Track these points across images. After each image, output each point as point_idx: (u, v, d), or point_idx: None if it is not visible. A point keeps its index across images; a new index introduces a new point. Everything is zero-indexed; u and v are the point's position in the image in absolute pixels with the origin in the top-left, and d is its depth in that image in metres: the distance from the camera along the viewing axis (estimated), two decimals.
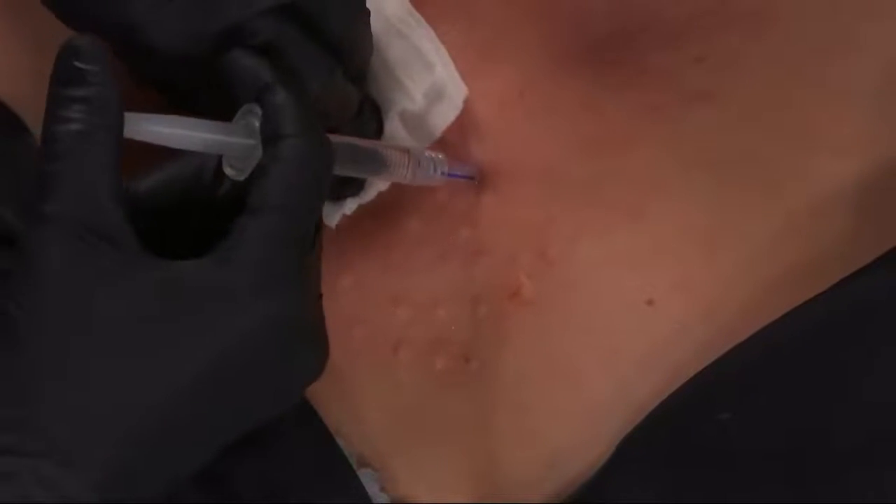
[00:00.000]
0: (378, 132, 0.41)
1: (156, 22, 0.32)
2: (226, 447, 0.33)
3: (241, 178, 0.33)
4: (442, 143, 0.41)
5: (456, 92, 0.40)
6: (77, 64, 0.30)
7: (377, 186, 0.41)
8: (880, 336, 0.36)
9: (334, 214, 0.41)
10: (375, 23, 0.39)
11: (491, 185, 0.42)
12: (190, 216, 0.35)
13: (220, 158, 0.34)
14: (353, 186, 0.41)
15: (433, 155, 0.40)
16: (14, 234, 0.41)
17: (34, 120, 0.42)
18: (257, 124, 0.33)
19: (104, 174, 0.31)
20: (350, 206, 0.41)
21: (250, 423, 0.33)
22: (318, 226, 0.34)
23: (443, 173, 0.40)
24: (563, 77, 0.41)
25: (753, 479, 0.36)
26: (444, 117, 0.40)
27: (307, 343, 0.34)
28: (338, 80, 0.36)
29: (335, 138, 0.35)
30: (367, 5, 0.37)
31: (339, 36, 0.35)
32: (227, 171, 0.34)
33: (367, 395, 0.42)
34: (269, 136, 0.32)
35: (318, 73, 0.35)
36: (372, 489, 0.41)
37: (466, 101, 0.41)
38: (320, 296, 0.35)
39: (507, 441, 0.41)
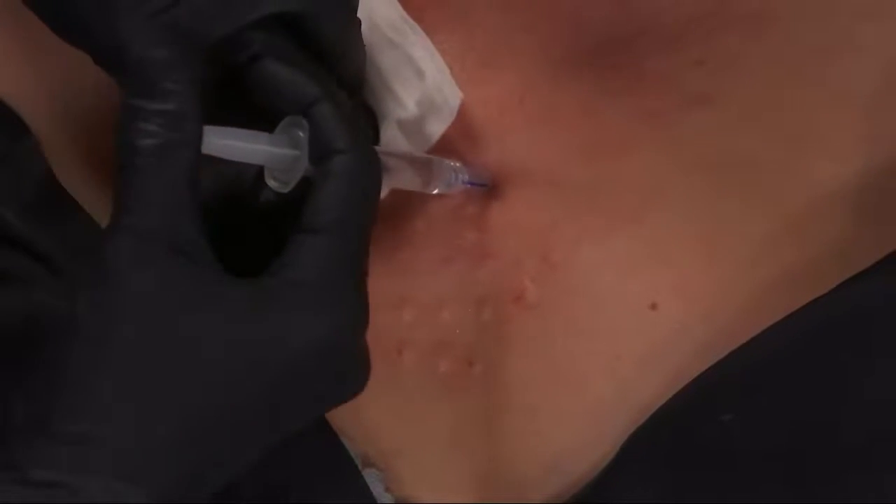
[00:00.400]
0: (374, 141, 0.41)
1: (147, 35, 0.32)
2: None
3: (285, 190, 0.34)
4: (444, 150, 0.41)
5: (451, 98, 0.40)
6: (159, 78, 0.30)
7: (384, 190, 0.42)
8: (880, 339, 0.37)
9: None
10: (368, 31, 0.39)
11: (495, 190, 0.42)
12: (230, 225, 0.35)
13: (260, 169, 0.34)
14: None
15: (453, 163, 0.41)
16: (14, 235, 0.40)
17: (34, 120, 0.41)
18: (302, 135, 0.33)
19: (185, 189, 0.31)
20: None
21: (289, 432, 0.34)
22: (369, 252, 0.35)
23: (463, 182, 0.41)
24: (563, 82, 0.41)
25: (755, 480, 0.36)
26: (438, 124, 0.40)
27: (355, 362, 0.35)
28: (333, 90, 0.36)
29: (386, 150, 0.36)
30: (360, 14, 0.37)
31: (330, 45, 0.36)
32: (271, 182, 0.34)
33: (371, 396, 0.42)
34: (320, 152, 0.33)
35: (310, 82, 0.35)
36: (377, 489, 0.41)
37: (467, 108, 0.41)
38: (368, 315, 0.35)
39: (510, 443, 0.41)
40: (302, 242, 0.32)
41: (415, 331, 0.42)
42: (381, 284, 0.42)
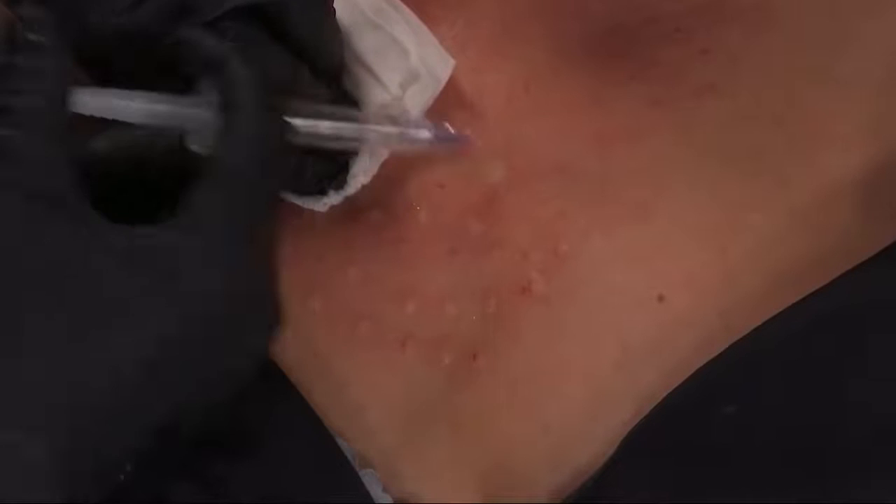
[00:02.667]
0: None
1: (119, 27, 0.33)
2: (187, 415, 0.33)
3: (205, 151, 0.34)
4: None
5: (438, 67, 0.40)
6: (28, 35, 0.31)
7: (360, 179, 0.41)
8: (878, 331, 0.37)
9: (317, 206, 0.41)
10: (349, 16, 0.39)
11: (502, 180, 0.42)
12: (145, 182, 0.35)
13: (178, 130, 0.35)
14: (336, 179, 0.41)
15: (418, 119, 0.40)
16: None
17: None
18: (212, 97, 0.34)
19: (55, 145, 0.31)
20: (334, 198, 0.41)
21: (207, 391, 0.34)
22: (277, 198, 0.35)
23: (428, 137, 0.40)
24: (569, 71, 0.41)
25: (757, 475, 0.36)
26: (421, 96, 0.40)
27: (257, 311, 0.34)
28: (305, 79, 0.37)
29: (305, 107, 0.36)
30: None
31: (304, 36, 0.36)
32: (192, 146, 0.35)
33: (372, 392, 0.41)
34: (225, 109, 0.33)
35: (284, 73, 0.36)
36: (374, 490, 0.40)
37: (472, 96, 0.41)
38: (276, 264, 0.35)
39: (515, 436, 0.40)
40: (197, 192, 0.33)
41: (418, 323, 0.41)
42: (384, 276, 0.41)
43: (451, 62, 0.40)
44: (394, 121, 0.39)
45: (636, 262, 0.40)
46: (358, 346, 0.41)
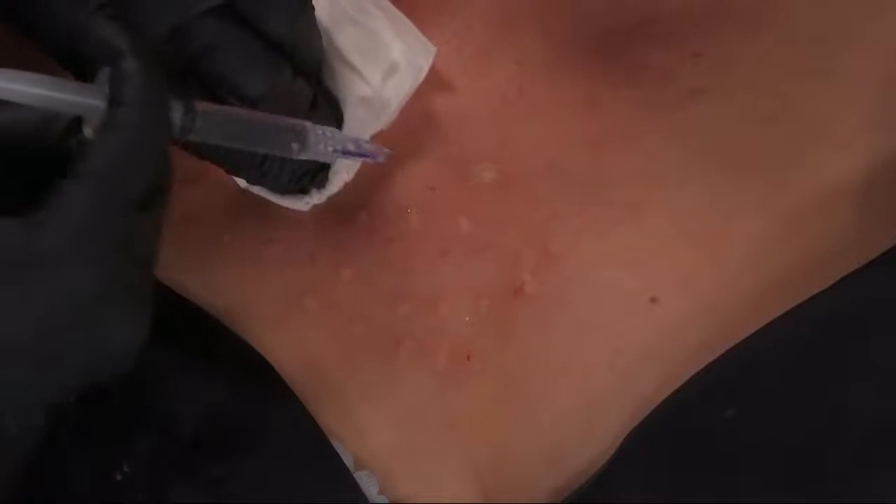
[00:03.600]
0: (338, 124, 0.40)
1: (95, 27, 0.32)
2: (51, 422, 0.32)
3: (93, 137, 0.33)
4: (443, 138, 0.41)
5: (421, 57, 0.40)
6: None
7: (342, 177, 0.41)
8: (878, 335, 0.37)
9: (300, 205, 0.41)
10: (329, 12, 0.39)
11: (494, 182, 0.42)
12: (29, 166, 0.34)
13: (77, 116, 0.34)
14: (317, 178, 0.41)
15: (326, 130, 0.38)
16: None
17: None
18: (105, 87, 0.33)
19: None
20: (316, 197, 0.41)
21: (64, 394, 0.32)
22: (164, 188, 0.34)
23: (335, 150, 0.38)
24: (563, 73, 0.41)
25: (757, 477, 0.36)
26: (401, 88, 0.40)
27: (122, 313, 0.33)
28: (285, 78, 0.37)
29: (209, 107, 0.35)
30: None
31: (283, 34, 0.36)
32: (86, 131, 0.33)
33: (366, 393, 0.41)
34: (110, 103, 0.32)
35: (264, 71, 0.35)
36: (370, 491, 0.40)
37: (466, 98, 0.41)
38: (149, 263, 0.34)
39: (509, 438, 0.40)
40: (62, 188, 0.31)
41: (411, 325, 0.41)
42: (376, 277, 0.42)
43: (433, 50, 0.40)
44: (304, 132, 0.38)
45: (629, 264, 0.40)
46: (352, 347, 0.42)
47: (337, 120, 0.41)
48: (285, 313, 0.42)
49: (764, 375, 0.37)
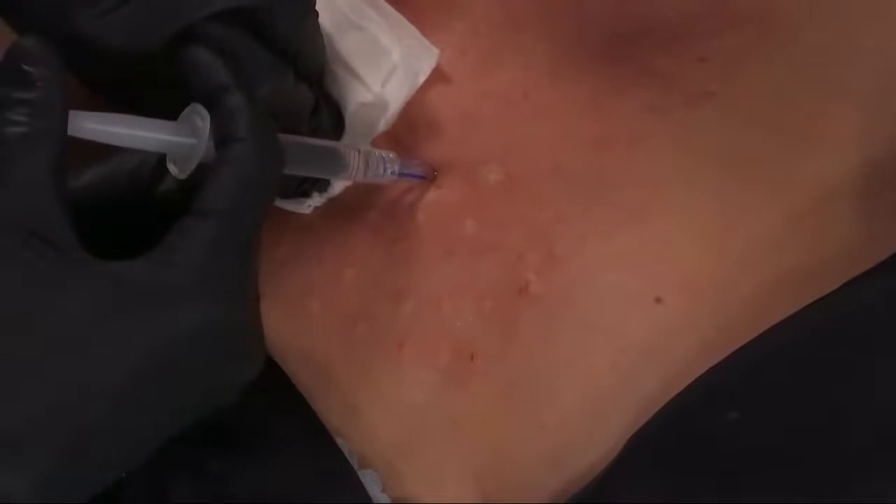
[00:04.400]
0: (338, 129, 0.41)
1: (104, 29, 0.33)
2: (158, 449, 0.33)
3: (182, 176, 0.34)
4: (449, 140, 0.41)
5: (422, 60, 0.40)
6: (24, 66, 0.31)
7: (343, 182, 0.42)
8: (882, 339, 0.37)
9: (301, 208, 0.42)
10: (330, 17, 0.39)
11: (499, 183, 0.42)
12: (129, 212, 0.35)
13: (161, 155, 0.34)
14: (318, 183, 0.41)
15: (384, 154, 0.41)
16: None
17: None
18: (200, 124, 0.33)
19: (48, 176, 0.31)
20: (318, 200, 0.42)
21: (183, 423, 0.33)
22: (260, 236, 0.35)
23: (393, 172, 0.41)
24: (568, 78, 0.42)
25: (759, 480, 0.36)
26: (400, 92, 0.40)
27: (243, 348, 0.34)
28: (289, 82, 0.37)
29: (285, 138, 0.36)
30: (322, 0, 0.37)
31: (287, 38, 0.36)
32: (171, 167, 0.34)
33: (370, 393, 0.41)
34: (221, 139, 0.33)
35: (267, 76, 0.36)
36: (373, 490, 0.40)
37: (472, 102, 0.41)
38: (257, 300, 0.35)
39: (513, 438, 0.40)
40: (187, 226, 0.32)
41: (415, 324, 0.42)
42: (381, 277, 0.42)
43: (436, 52, 0.41)
44: (366, 156, 0.40)
45: (633, 265, 0.40)
46: (356, 346, 0.42)
47: (338, 125, 0.41)
48: (290, 313, 0.42)
49: (767, 379, 0.37)
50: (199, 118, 0.33)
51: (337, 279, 0.42)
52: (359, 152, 0.39)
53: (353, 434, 0.41)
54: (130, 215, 0.35)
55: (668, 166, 0.40)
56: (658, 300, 0.40)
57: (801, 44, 0.39)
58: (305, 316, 0.42)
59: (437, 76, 0.42)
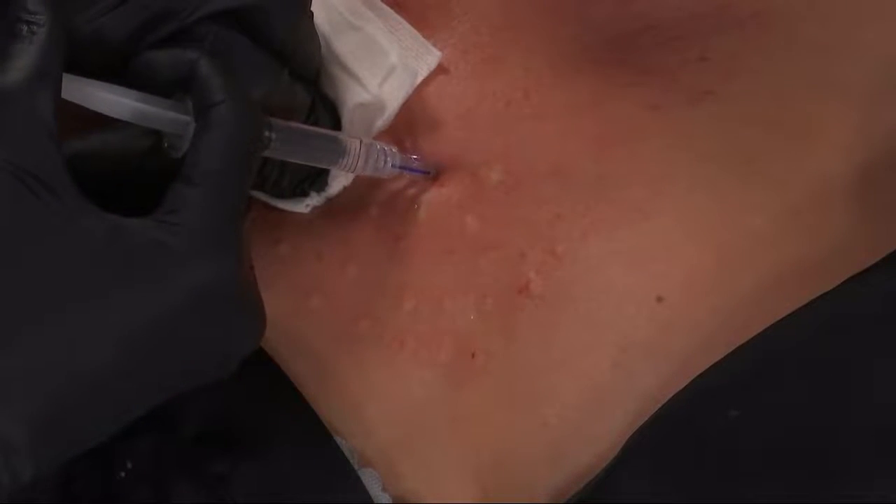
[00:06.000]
0: (335, 129, 0.41)
1: (101, 28, 0.33)
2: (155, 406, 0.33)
3: (177, 155, 0.34)
4: (451, 139, 0.41)
5: (419, 63, 0.41)
6: (28, 8, 0.31)
7: (341, 181, 0.42)
8: (882, 338, 0.37)
9: (299, 207, 0.42)
10: (327, 18, 0.39)
11: (500, 182, 0.42)
12: (124, 185, 0.35)
13: (160, 134, 0.35)
14: (317, 183, 0.41)
15: (385, 146, 0.41)
16: None
17: None
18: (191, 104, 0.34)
19: (42, 126, 0.31)
20: (316, 199, 0.42)
21: (183, 385, 0.34)
22: (248, 202, 0.35)
23: (394, 166, 0.41)
24: (569, 77, 0.42)
25: (759, 478, 0.36)
26: (399, 92, 0.41)
27: (242, 309, 0.34)
28: (284, 82, 0.37)
29: (287, 125, 0.37)
30: (318, 0, 0.38)
31: (282, 39, 0.36)
32: (166, 146, 0.35)
33: (370, 390, 0.41)
34: (201, 108, 0.33)
35: (263, 76, 0.36)
36: (374, 489, 0.40)
37: (473, 101, 0.41)
38: (251, 265, 0.35)
39: (513, 435, 0.40)
40: (180, 190, 0.33)
41: (415, 321, 0.42)
42: (382, 273, 0.42)
43: (437, 54, 0.41)
44: (367, 147, 0.40)
45: (634, 264, 0.40)
46: (357, 344, 0.42)
47: (334, 125, 0.41)
48: (291, 310, 0.42)
49: (767, 377, 0.37)
50: (188, 98, 0.34)
51: (338, 276, 0.42)
52: (360, 142, 0.39)
53: (353, 432, 0.41)
54: (128, 190, 0.35)
55: (668, 165, 0.40)
56: (659, 298, 0.40)
57: (801, 42, 0.40)
58: (306, 313, 0.42)
59: (439, 76, 0.42)
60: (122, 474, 0.38)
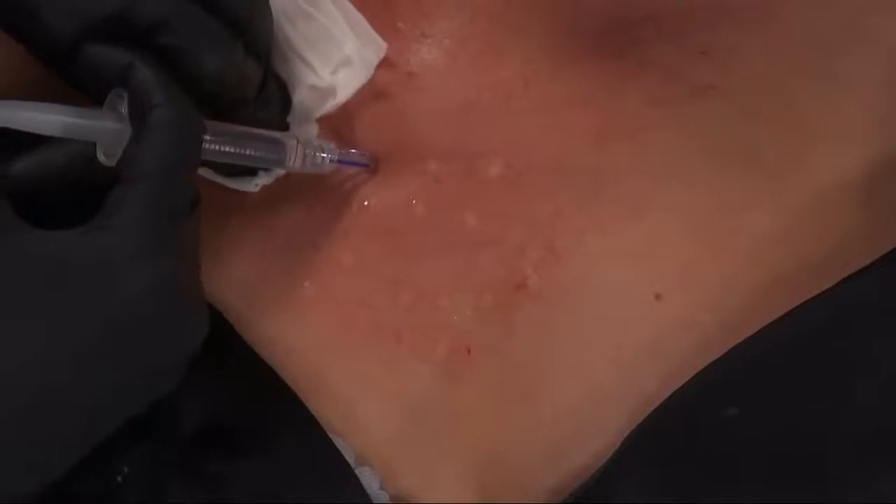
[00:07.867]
0: (284, 108, 0.41)
1: (51, 3, 0.33)
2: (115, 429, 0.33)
3: (113, 163, 0.34)
4: (449, 132, 0.41)
5: (371, 53, 0.40)
6: None
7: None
8: (880, 336, 0.37)
9: (249, 187, 0.42)
10: (281, 3, 0.39)
11: (499, 176, 0.41)
12: (66, 202, 0.35)
13: (94, 145, 0.35)
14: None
15: (322, 142, 0.41)
16: None
17: None
18: (124, 110, 0.34)
19: None
20: (264, 178, 0.41)
21: (133, 400, 0.33)
22: (196, 198, 0.35)
23: (332, 160, 0.41)
24: (568, 70, 0.41)
25: (758, 477, 0.36)
26: (353, 82, 0.40)
27: (185, 311, 0.34)
28: (238, 56, 0.36)
29: (219, 125, 0.36)
30: None
31: (237, 11, 0.36)
32: (100, 157, 0.35)
33: (366, 387, 0.41)
34: (139, 113, 0.33)
35: (217, 49, 0.35)
36: (371, 488, 0.40)
37: (471, 93, 0.41)
38: (198, 266, 0.35)
39: (509, 432, 0.40)
40: (120, 193, 0.33)
41: (412, 316, 0.41)
42: (379, 266, 0.41)
43: (384, 46, 0.41)
44: (304, 146, 0.40)
45: (633, 260, 0.40)
46: (352, 338, 0.42)
47: (284, 103, 0.41)
48: (286, 302, 0.42)
49: (766, 374, 0.37)
50: (123, 103, 0.34)
51: (335, 268, 0.42)
52: (297, 142, 0.39)
53: (349, 429, 0.41)
54: (70, 205, 0.35)
55: (668, 160, 0.40)
56: (657, 295, 0.40)
57: (801, 38, 0.39)
58: (301, 307, 0.42)
59: (436, 68, 0.42)
60: (119, 479, 0.38)
